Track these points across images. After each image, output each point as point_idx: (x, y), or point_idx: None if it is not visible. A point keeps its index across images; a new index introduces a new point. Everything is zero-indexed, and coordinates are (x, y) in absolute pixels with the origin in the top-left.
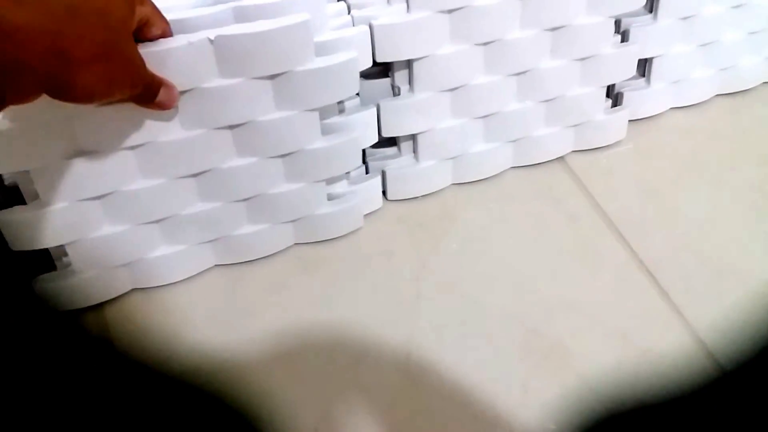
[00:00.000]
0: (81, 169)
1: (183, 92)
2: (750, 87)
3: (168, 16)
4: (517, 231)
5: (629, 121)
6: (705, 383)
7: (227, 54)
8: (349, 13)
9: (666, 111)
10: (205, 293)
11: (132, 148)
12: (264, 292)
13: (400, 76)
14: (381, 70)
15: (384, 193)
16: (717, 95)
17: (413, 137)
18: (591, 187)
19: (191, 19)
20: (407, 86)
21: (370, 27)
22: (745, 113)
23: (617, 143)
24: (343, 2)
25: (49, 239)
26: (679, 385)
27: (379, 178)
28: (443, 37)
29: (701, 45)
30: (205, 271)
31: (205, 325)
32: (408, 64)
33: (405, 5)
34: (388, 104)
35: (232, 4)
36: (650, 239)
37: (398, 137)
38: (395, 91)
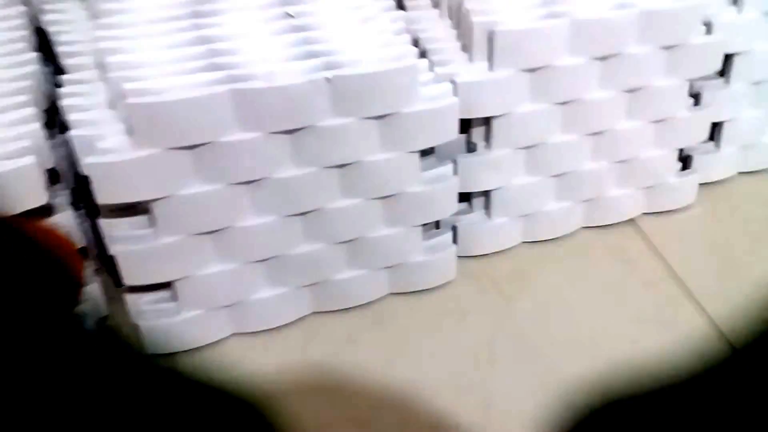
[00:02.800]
0: (200, 202)
1: (299, 130)
2: None
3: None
4: (592, 294)
5: (699, 184)
6: None
7: (342, 93)
8: (432, 69)
9: (735, 175)
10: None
11: (248, 183)
12: (338, 344)
13: (478, 133)
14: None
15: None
16: None
17: (486, 193)
18: (664, 251)
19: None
20: (484, 143)
21: (453, 84)
22: None
23: (687, 207)
24: (425, 59)
25: (162, 273)
26: None
27: (450, 235)
28: (523, 95)
29: None
30: (299, 319)
31: (277, 377)
32: (486, 120)
33: (487, 63)
34: (465, 160)
35: (324, 59)
36: (725, 305)
37: (471, 193)
38: (470, 147)
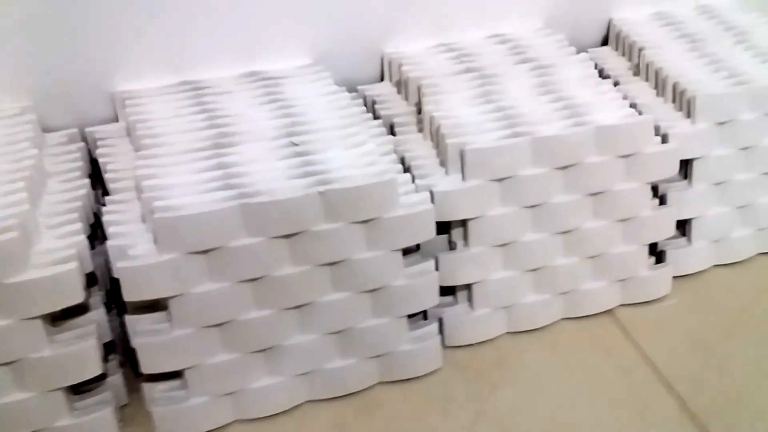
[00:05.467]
0: (210, 298)
1: (295, 234)
2: None
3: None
4: (571, 382)
5: (674, 276)
6: None
7: (332, 203)
8: (413, 181)
9: (710, 267)
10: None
11: (251, 280)
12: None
13: (457, 233)
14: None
15: (441, 339)
16: (760, 253)
17: (468, 287)
18: (641, 340)
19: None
20: (463, 241)
21: (431, 193)
22: None
23: (664, 297)
24: (408, 173)
25: (176, 362)
26: None
27: (436, 325)
28: (494, 200)
29: (738, 207)
30: (294, 407)
31: None
32: (463, 222)
33: (460, 175)
34: (446, 257)
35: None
36: (701, 393)
37: (455, 287)
38: (451, 246)
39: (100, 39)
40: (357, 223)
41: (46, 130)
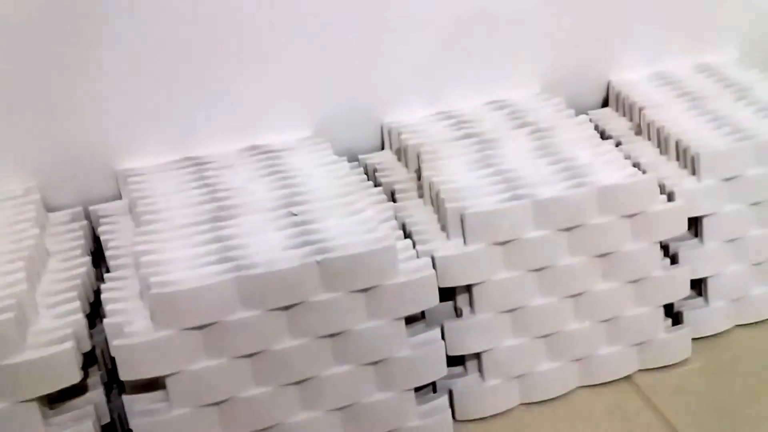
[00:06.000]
0: (207, 375)
1: (294, 306)
2: None
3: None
4: None
5: (694, 339)
6: None
7: (330, 272)
8: (414, 247)
9: (731, 328)
10: None
11: (249, 356)
12: None
13: (462, 299)
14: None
15: (452, 413)
16: None
17: (478, 356)
18: (662, 407)
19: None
20: (469, 308)
21: (432, 258)
22: None
23: (684, 361)
24: (409, 239)
25: None
26: None
27: (446, 398)
28: (498, 264)
29: (754, 264)
30: None
31: None
32: (468, 288)
33: (461, 240)
34: (452, 324)
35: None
36: None
37: (464, 357)
38: (458, 313)
39: (103, 118)
40: (357, 291)
41: (50, 209)
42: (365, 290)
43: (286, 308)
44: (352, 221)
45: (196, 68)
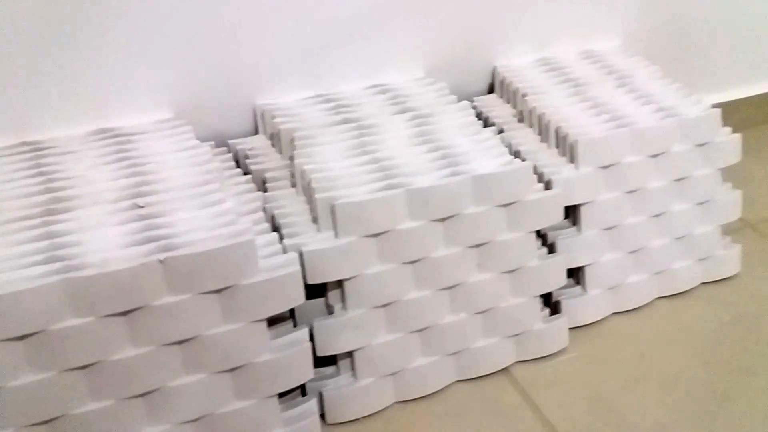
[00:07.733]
0: (33, 393)
1: (134, 310)
2: (687, 288)
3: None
4: None
5: (571, 328)
6: None
7: (176, 272)
8: (281, 241)
9: (608, 316)
10: None
11: (83, 368)
12: None
13: (333, 296)
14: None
15: (323, 416)
16: (657, 298)
17: (350, 354)
18: (537, 399)
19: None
20: (340, 304)
21: (300, 253)
22: (684, 314)
23: (561, 351)
24: (275, 233)
25: None
26: None
27: (315, 401)
28: (371, 257)
29: (631, 252)
30: None
31: None
32: (340, 283)
33: (333, 232)
34: (322, 323)
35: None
36: None
37: (336, 356)
38: (330, 310)
39: None
40: (209, 293)
41: None
42: (219, 291)
43: (125, 314)
44: (208, 213)
45: (33, 41)
